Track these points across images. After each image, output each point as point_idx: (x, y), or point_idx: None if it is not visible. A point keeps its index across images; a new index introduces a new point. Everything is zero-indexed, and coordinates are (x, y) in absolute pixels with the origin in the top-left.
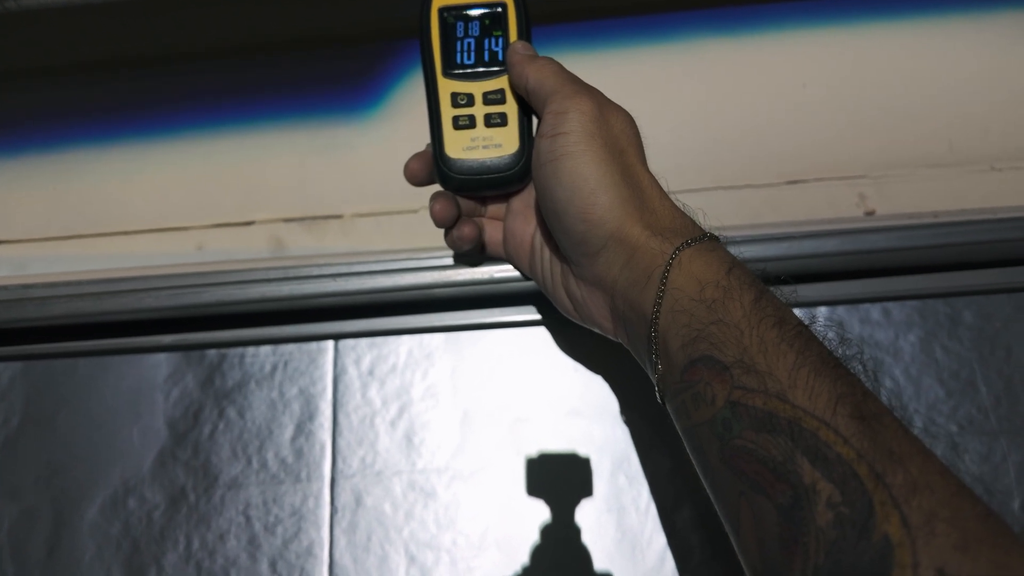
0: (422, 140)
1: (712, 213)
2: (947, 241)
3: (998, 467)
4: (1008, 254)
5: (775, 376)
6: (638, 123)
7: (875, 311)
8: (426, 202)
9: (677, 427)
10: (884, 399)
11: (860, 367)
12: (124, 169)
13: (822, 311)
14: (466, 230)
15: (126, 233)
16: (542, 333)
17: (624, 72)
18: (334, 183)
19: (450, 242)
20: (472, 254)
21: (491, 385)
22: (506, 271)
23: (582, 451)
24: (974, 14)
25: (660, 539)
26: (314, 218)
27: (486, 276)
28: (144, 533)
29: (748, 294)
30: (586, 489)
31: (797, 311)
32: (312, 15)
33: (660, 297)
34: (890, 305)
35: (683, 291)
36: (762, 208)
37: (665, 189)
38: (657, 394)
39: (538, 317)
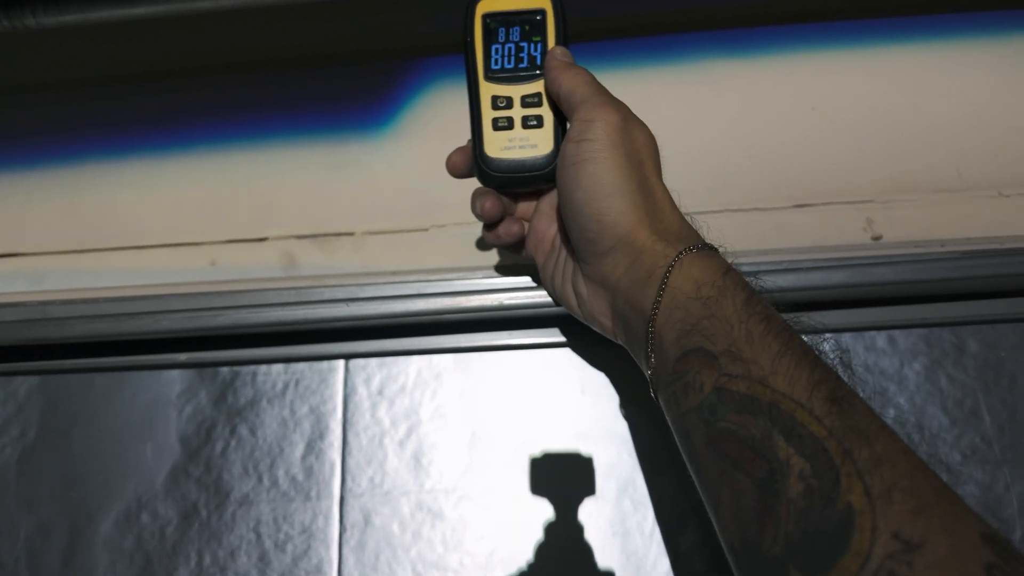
0: (434, 159)
1: (719, 236)
2: (954, 274)
3: (1001, 497)
4: (1014, 285)
5: (759, 363)
6: None
7: (880, 339)
8: (436, 220)
9: (668, 418)
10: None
11: (840, 365)
12: (138, 183)
13: (826, 338)
14: (515, 228)
15: (140, 247)
16: (550, 356)
17: (631, 93)
18: (346, 201)
19: (492, 238)
20: (512, 249)
21: (499, 406)
22: (515, 299)
23: (587, 473)
24: (984, 39)
25: (664, 562)
26: (326, 235)
27: (495, 303)
28: (157, 548)
29: (741, 294)
30: (592, 512)
31: (805, 338)
32: (326, 32)
33: (660, 295)
34: (896, 333)
35: (681, 290)
36: (769, 231)
37: (678, 203)
38: (651, 389)
39: (545, 341)
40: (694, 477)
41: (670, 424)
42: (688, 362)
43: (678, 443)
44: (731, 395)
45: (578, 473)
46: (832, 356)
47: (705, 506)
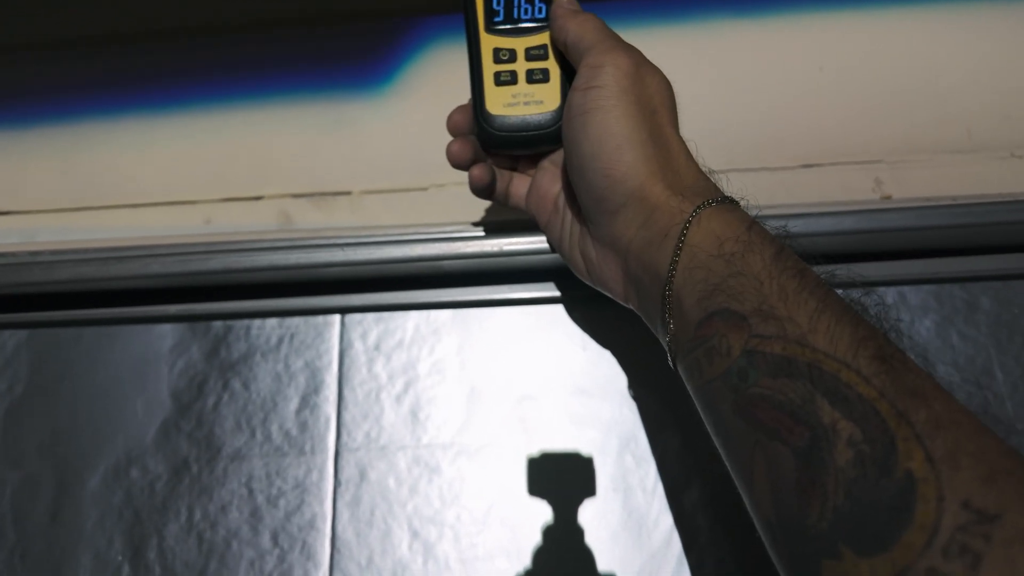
0: (433, 118)
1: (730, 193)
2: (965, 222)
3: None
4: None
5: (795, 321)
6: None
7: (890, 295)
8: (435, 180)
9: (689, 388)
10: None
11: (884, 323)
12: (134, 142)
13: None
14: (475, 172)
15: (135, 206)
16: (550, 311)
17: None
18: (343, 160)
19: (469, 181)
20: (484, 196)
21: (498, 362)
22: (516, 244)
23: (588, 431)
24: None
25: (667, 519)
26: (323, 194)
27: (495, 248)
28: (146, 503)
29: (769, 248)
30: (592, 469)
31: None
32: None
33: (677, 254)
34: (906, 289)
35: (701, 247)
36: (777, 191)
37: (695, 156)
38: (669, 357)
39: (546, 295)
40: (721, 450)
41: (692, 395)
42: (712, 325)
43: (702, 415)
44: (764, 357)
45: (578, 429)
46: (873, 313)
47: (735, 481)
